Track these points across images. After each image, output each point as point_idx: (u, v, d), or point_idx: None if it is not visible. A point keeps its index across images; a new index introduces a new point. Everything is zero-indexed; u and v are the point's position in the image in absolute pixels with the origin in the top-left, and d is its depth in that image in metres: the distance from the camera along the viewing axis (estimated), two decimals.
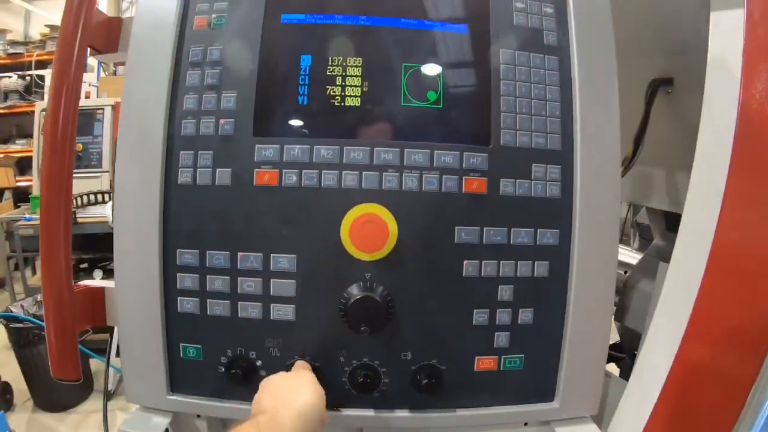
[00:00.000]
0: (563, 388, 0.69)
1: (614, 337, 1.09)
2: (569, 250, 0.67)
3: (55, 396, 2.35)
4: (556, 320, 0.68)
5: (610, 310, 0.70)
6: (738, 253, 0.67)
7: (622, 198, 1.09)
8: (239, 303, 0.67)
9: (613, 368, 1.01)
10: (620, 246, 1.15)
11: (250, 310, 0.67)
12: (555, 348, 0.69)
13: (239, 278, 0.67)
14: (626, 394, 0.73)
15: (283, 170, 0.66)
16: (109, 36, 0.75)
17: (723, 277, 0.67)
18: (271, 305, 0.67)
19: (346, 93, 0.68)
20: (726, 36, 0.71)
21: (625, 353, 1.02)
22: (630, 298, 0.93)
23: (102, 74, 3.97)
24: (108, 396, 2.39)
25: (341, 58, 0.69)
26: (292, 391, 0.59)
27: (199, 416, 0.75)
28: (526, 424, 0.73)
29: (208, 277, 0.68)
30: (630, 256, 1.07)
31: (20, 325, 2.25)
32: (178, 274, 0.68)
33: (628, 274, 0.97)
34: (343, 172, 0.65)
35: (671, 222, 0.74)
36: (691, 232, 0.70)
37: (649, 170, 0.95)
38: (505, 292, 0.66)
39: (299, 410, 0.55)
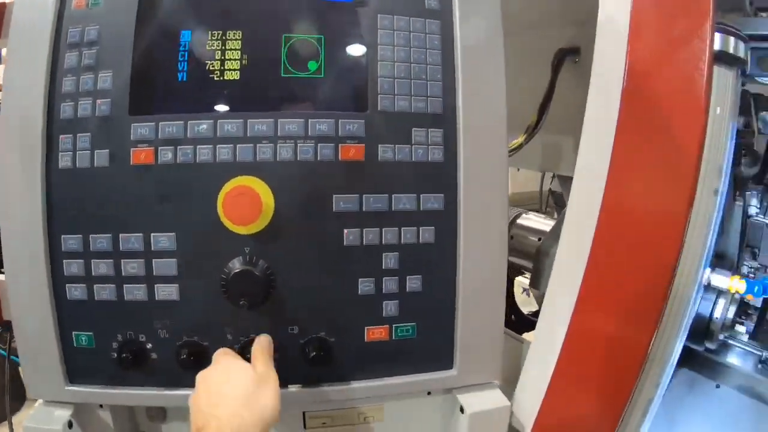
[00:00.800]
0: (461, 355, 0.68)
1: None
2: (456, 215, 0.66)
3: None
4: (447, 286, 0.67)
5: (503, 275, 0.69)
6: (625, 215, 0.66)
7: (534, 167, 1.08)
8: (124, 286, 0.66)
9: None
10: (544, 216, 1.14)
11: (135, 293, 0.66)
12: (448, 315, 0.67)
13: (122, 260, 0.65)
14: (528, 358, 0.72)
15: (159, 148, 0.64)
16: None
17: (612, 238, 0.66)
18: (155, 286, 0.65)
19: (226, 67, 0.67)
20: None
21: None
22: (543, 264, 0.92)
23: None
24: None
25: (221, 32, 0.67)
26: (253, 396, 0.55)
27: (101, 406, 0.74)
28: (429, 393, 0.72)
29: (92, 261, 0.66)
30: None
31: None
32: (64, 261, 0.67)
33: (541, 241, 0.96)
34: (218, 146, 0.64)
35: None
36: (581, 196, 0.69)
37: (558, 138, 0.95)
38: (390, 260, 0.65)
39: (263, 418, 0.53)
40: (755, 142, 0.84)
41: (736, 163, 0.84)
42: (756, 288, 0.79)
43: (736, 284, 0.78)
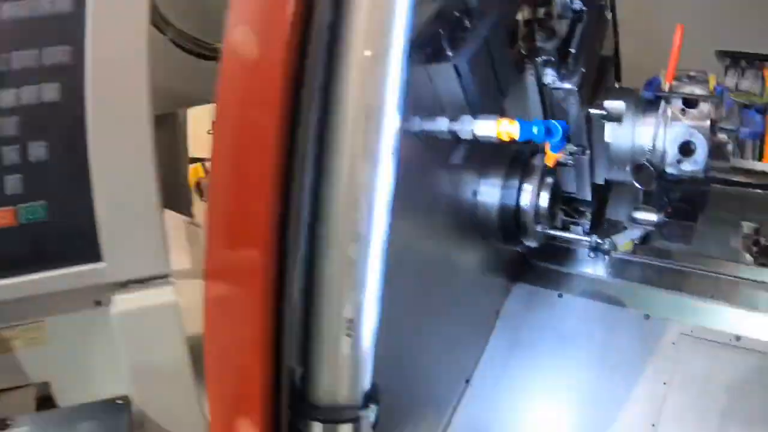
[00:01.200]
0: (108, 242, 0.55)
1: None
2: (83, 69, 0.55)
3: None
4: (79, 156, 0.55)
5: (148, 143, 0.55)
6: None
7: None
8: None
9: None
10: None
11: None
12: (83, 190, 0.55)
13: None
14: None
15: None
16: None
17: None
18: None
19: None
20: None
21: None
22: None
23: None
24: None
25: None
26: None
27: None
28: (100, 303, 0.58)
29: None
30: None
31: None
32: None
33: None
34: None
35: None
36: None
37: None
38: (8, 126, 0.55)
39: None
40: (555, 25, 0.81)
41: (530, 38, 0.78)
42: (535, 129, 0.57)
43: (505, 128, 0.57)
